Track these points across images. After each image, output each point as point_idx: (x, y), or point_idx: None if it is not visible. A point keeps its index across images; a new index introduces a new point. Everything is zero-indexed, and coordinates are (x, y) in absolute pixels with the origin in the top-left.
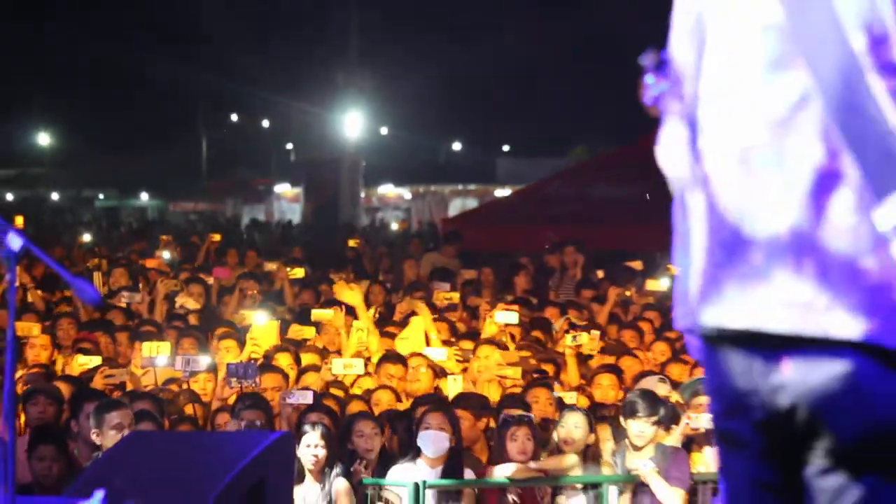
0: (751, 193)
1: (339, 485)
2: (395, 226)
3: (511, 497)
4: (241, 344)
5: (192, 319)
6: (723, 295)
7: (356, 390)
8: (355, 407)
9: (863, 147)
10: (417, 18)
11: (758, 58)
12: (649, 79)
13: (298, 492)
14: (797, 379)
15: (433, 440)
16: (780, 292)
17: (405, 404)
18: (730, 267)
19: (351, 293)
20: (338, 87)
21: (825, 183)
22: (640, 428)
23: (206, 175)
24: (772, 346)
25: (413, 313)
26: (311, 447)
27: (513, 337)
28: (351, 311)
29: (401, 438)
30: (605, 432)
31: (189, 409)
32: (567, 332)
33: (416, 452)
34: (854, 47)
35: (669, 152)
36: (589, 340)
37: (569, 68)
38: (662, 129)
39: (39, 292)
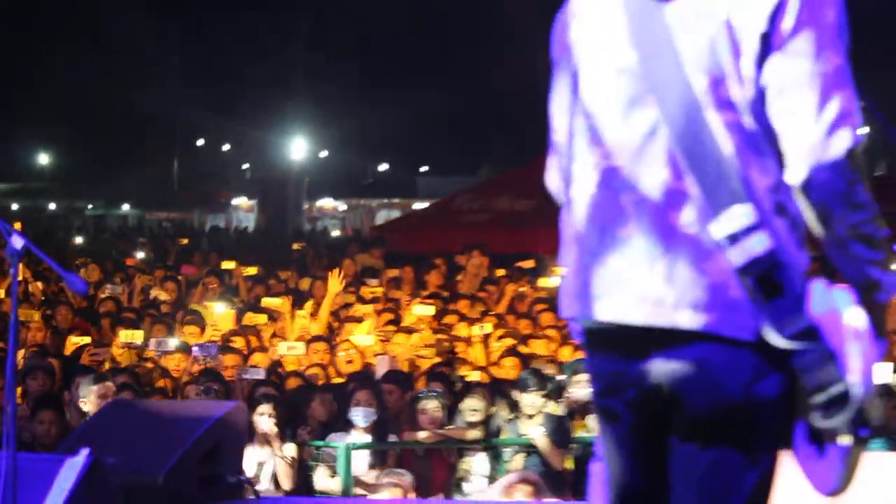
0: (611, 209)
1: (288, 446)
2: (336, 232)
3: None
4: (203, 328)
5: (165, 308)
6: (592, 293)
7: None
8: (293, 382)
9: (702, 171)
10: (352, 62)
11: (617, 96)
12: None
13: (254, 452)
14: (658, 364)
15: (363, 414)
16: (637, 291)
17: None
18: (595, 270)
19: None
20: (286, 117)
21: (672, 200)
22: (531, 400)
23: (177, 189)
24: (636, 337)
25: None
26: (263, 415)
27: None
28: (297, 302)
29: (340, 409)
30: (503, 404)
31: (161, 382)
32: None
33: (350, 423)
34: (695, 87)
35: (553, 175)
36: (491, 328)
37: (476, 103)
38: (549, 155)
39: (39, 284)
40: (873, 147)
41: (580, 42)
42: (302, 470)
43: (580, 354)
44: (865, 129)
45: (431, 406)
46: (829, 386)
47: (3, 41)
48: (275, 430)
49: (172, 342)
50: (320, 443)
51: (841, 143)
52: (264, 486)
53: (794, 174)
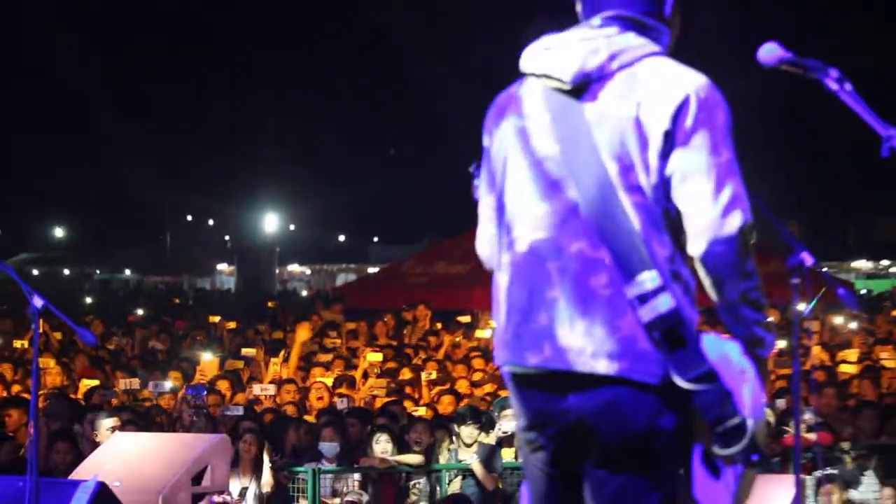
0: (538, 274)
1: (267, 472)
2: (304, 292)
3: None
4: (187, 374)
5: (160, 356)
6: (522, 344)
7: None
8: (269, 417)
9: (615, 242)
10: (314, 156)
11: (542, 178)
12: (477, 183)
13: (238, 477)
14: (578, 403)
15: (328, 448)
16: (561, 343)
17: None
18: (525, 325)
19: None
20: (261, 199)
21: (589, 267)
22: (468, 431)
23: (170, 257)
24: (559, 381)
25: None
26: (246, 444)
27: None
28: (270, 351)
29: (311, 440)
30: (443, 435)
31: (158, 418)
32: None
33: (320, 453)
34: (609, 173)
35: (482, 244)
36: (435, 374)
37: (418, 186)
38: (478, 227)
39: (58, 335)
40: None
41: (509, 134)
42: (282, 492)
43: (506, 393)
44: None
45: (384, 438)
46: (726, 419)
47: (23, 135)
48: (255, 455)
49: (167, 385)
50: (292, 468)
51: (734, 222)
52: None
53: (695, 247)
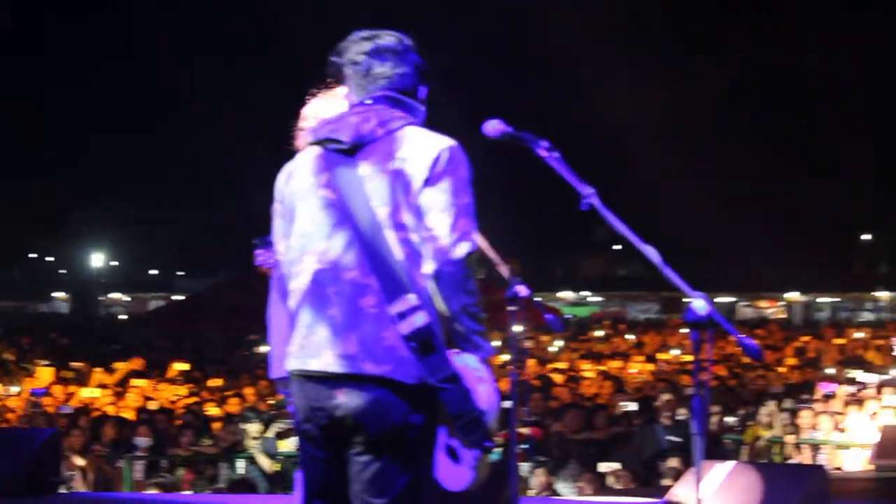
0: (320, 297)
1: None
2: (123, 316)
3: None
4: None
5: (11, 366)
6: (306, 353)
7: None
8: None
9: (382, 271)
10: (131, 199)
11: (325, 222)
12: (259, 252)
13: (68, 461)
14: (347, 400)
15: (142, 442)
16: (338, 351)
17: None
18: (309, 338)
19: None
20: (89, 239)
21: (360, 291)
22: (253, 427)
23: (17, 286)
24: (331, 381)
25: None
26: (74, 437)
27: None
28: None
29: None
30: (233, 429)
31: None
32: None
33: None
34: (378, 216)
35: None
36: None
37: (218, 225)
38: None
39: None
40: (477, 263)
41: (296, 191)
42: (103, 476)
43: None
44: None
45: (189, 431)
46: (467, 413)
47: None
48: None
49: (14, 389)
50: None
51: (462, 249)
52: (79, 486)
53: (430, 268)
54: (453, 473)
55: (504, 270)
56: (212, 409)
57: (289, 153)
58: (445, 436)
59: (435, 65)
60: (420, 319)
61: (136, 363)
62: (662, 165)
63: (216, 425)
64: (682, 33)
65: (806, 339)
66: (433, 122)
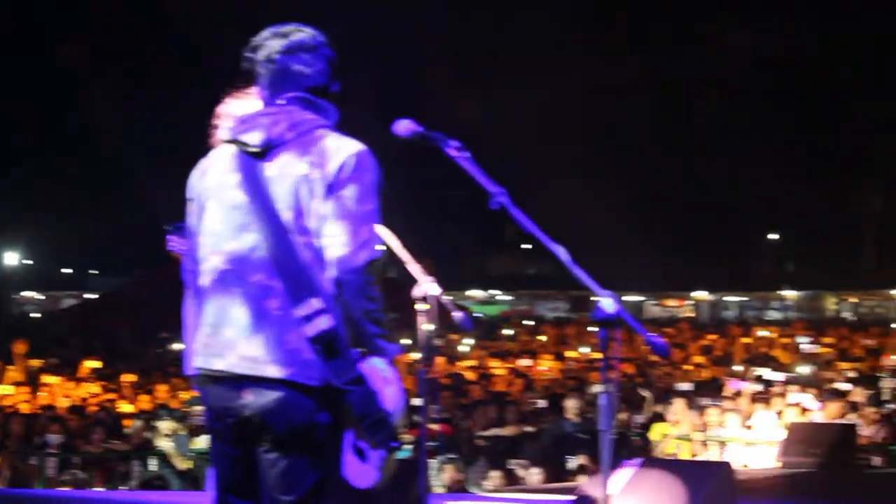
0: (226, 298)
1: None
2: (36, 314)
3: None
4: None
5: None
6: (211, 353)
7: None
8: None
9: (287, 274)
10: (39, 211)
11: (232, 223)
12: (171, 238)
13: None
14: (253, 399)
15: (53, 439)
16: (241, 353)
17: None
18: (214, 337)
19: None
20: (2, 239)
21: (265, 294)
22: (166, 425)
23: None
24: (239, 382)
25: None
26: None
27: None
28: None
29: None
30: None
31: None
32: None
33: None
34: (284, 219)
35: (185, 274)
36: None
37: (129, 227)
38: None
39: None
40: (387, 261)
41: (208, 188)
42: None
43: (195, 394)
44: (382, 248)
45: (100, 429)
46: (372, 415)
47: None
48: None
49: None
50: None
51: (364, 256)
52: None
53: (332, 274)
54: (361, 472)
55: (414, 269)
56: (124, 407)
57: (201, 152)
58: (353, 436)
59: (347, 62)
60: (324, 322)
61: (49, 361)
62: (570, 166)
63: (128, 422)
64: (574, 35)
65: (713, 337)
66: (344, 121)
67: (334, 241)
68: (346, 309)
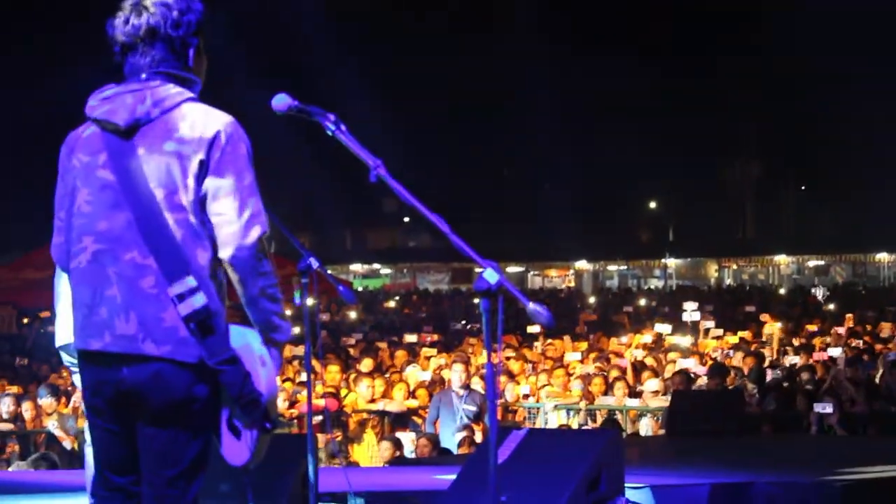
0: (100, 277)
1: None
2: None
3: None
4: None
5: None
6: (87, 332)
7: None
8: None
9: (160, 252)
10: None
11: (104, 201)
12: None
13: None
14: (131, 376)
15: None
16: (117, 331)
17: None
18: (90, 318)
19: None
20: None
21: (140, 271)
22: (48, 402)
23: None
24: (116, 360)
25: None
26: None
27: None
28: None
29: None
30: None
31: None
32: None
33: None
34: (156, 197)
35: (55, 251)
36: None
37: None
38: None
39: None
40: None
41: (78, 166)
42: None
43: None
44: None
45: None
46: (246, 395)
47: None
48: None
49: None
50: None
51: (254, 233)
52: None
53: (224, 253)
54: (235, 449)
55: (294, 244)
56: (8, 388)
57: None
58: (228, 412)
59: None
60: (198, 301)
61: None
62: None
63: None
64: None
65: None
66: (219, 94)
67: (222, 220)
68: (241, 287)
